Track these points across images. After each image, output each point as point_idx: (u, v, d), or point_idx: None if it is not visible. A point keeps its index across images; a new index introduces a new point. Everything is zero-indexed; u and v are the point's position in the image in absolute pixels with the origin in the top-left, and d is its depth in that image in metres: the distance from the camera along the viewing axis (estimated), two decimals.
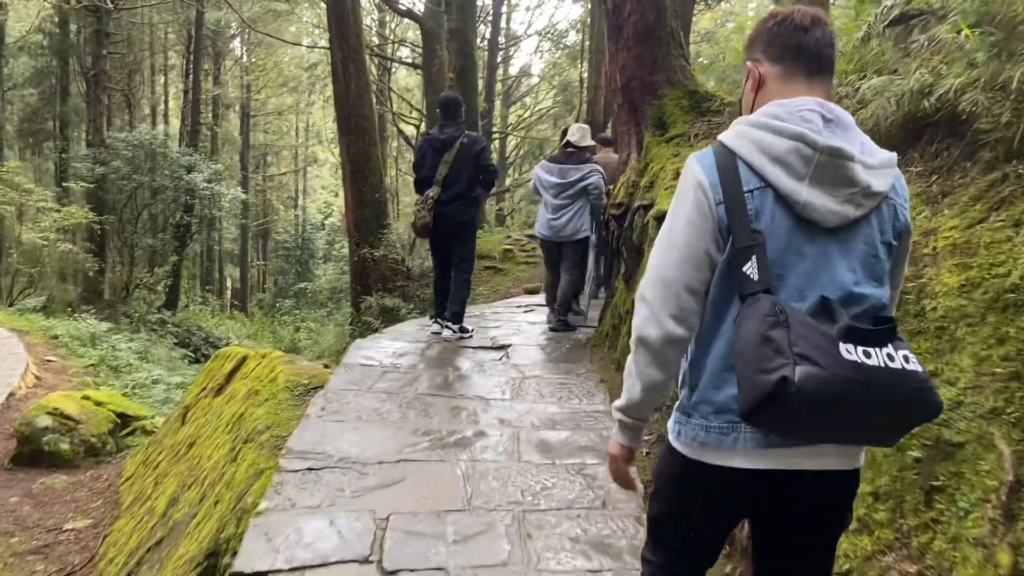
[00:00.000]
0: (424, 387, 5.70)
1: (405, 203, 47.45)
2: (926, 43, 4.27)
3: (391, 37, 32.66)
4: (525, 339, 7.21)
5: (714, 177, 1.93)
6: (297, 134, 46.77)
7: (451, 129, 7.03)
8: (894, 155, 2.05)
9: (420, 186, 7.20)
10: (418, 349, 6.76)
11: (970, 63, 3.96)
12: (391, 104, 32.13)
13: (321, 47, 29.38)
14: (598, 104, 18.35)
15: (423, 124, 31.66)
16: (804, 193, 1.87)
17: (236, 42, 40.02)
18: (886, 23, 5.02)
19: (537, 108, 35.97)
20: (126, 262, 25.55)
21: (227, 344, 25.73)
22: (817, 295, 1.87)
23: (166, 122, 37.42)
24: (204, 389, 7.27)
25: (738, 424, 1.91)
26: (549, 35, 35.47)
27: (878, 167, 1.95)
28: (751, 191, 1.90)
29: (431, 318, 7.73)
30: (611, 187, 7.56)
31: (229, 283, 44.87)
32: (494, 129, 31.81)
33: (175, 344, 23.65)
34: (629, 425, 2.15)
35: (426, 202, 6.96)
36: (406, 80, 40.45)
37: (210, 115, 36.00)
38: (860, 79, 4.93)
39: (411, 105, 32.98)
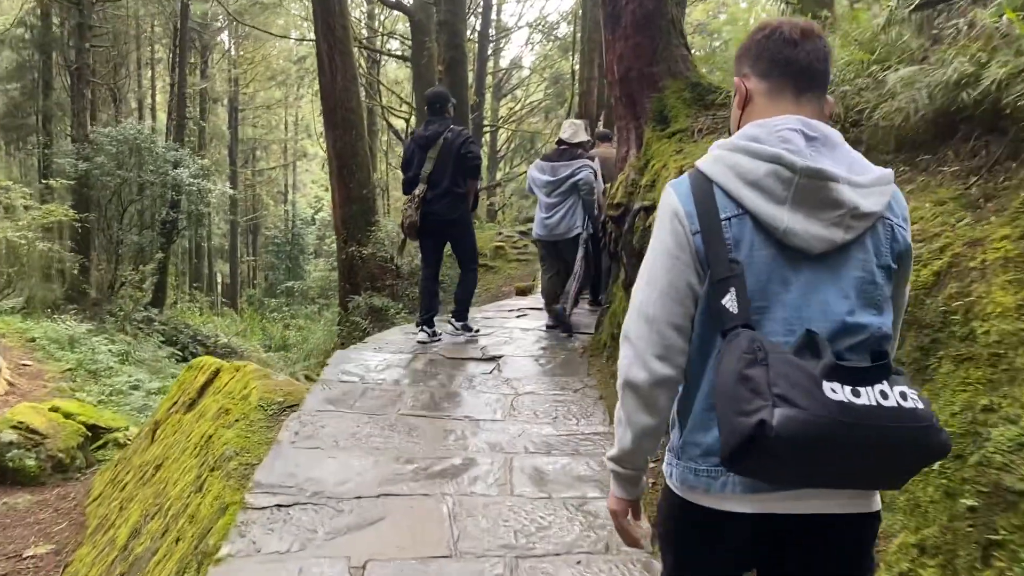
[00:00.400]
0: (408, 406, 5.22)
1: (395, 197, 46.88)
2: (964, 28, 3.80)
3: (380, 29, 32.07)
4: (518, 349, 6.73)
5: (690, 206, 1.83)
6: (286, 128, 46.04)
7: (435, 125, 6.82)
8: (889, 172, 1.89)
9: (408, 186, 6.93)
10: (403, 361, 6.28)
11: (1017, 51, 3.50)
12: (380, 97, 31.56)
13: (308, 39, 28.81)
14: (591, 96, 17.86)
15: (413, 118, 31.13)
16: (785, 219, 1.76)
17: (224, 35, 39.35)
18: (911, 7, 4.55)
19: (528, 101, 35.41)
20: (111, 260, 25.00)
21: (215, 342, 25.27)
22: (805, 328, 1.73)
23: (153, 117, 36.76)
24: (175, 403, 6.79)
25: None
26: (540, 27, 34.94)
27: (869, 186, 1.81)
28: (728, 219, 1.80)
29: (416, 325, 7.30)
30: (609, 185, 7.11)
31: (220, 278, 44.28)
32: (485, 122, 31.31)
33: (162, 343, 23.19)
34: (625, 476, 2.01)
35: (412, 200, 6.68)
36: (396, 73, 39.85)
37: (197, 109, 35.35)
38: (884, 69, 4.47)
39: (401, 98, 32.42)
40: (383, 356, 6.36)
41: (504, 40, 36.41)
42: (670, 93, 6.20)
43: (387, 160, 39.96)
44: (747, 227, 1.78)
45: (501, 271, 15.77)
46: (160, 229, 26.33)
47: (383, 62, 34.96)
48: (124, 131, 24.36)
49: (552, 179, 7.21)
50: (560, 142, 7.50)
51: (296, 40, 33.99)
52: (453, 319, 7.16)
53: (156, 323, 23.73)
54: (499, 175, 35.10)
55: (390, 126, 32.52)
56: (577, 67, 29.53)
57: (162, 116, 36.19)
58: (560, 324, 7.45)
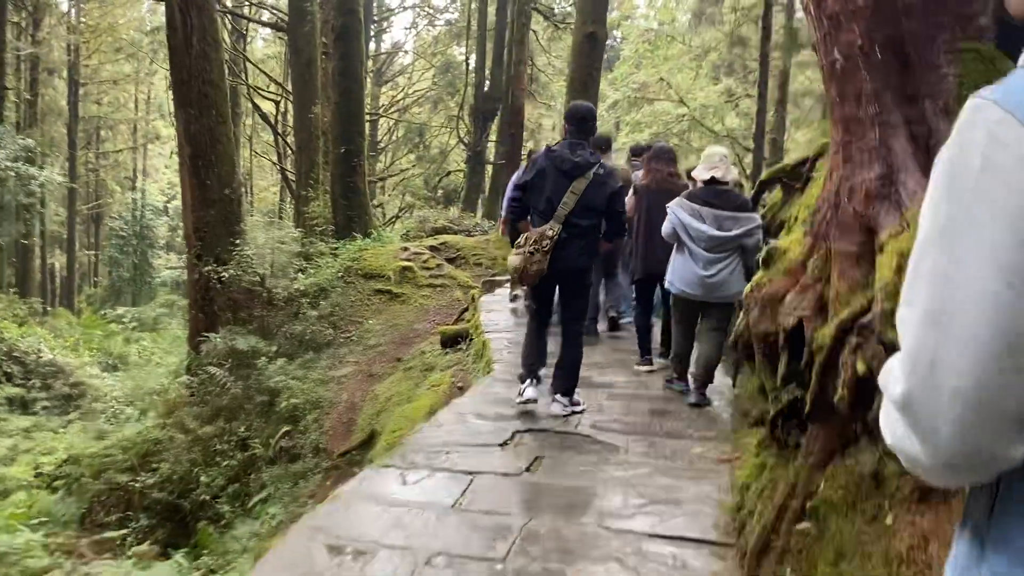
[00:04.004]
0: None
1: (260, 186, 41.24)
2: None
3: None
4: None
5: None
6: (136, 107, 39.56)
7: (585, 152, 5.30)
8: None
9: (518, 211, 5.53)
10: None
11: None
12: (247, 76, 26.56)
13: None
14: (520, 83, 13.91)
15: (283, 101, 26.44)
16: None
17: None
18: None
19: (413, 90, 31.03)
20: None
21: (37, 359, 20.12)
22: None
23: None
24: None
25: None
26: (426, 10, 30.69)
27: None
28: None
29: (520, 379, 5.53)
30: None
31: (58, 268, 37.61)
32: (365, 110, 26.86)
33: None
34: None
35: (541, 242, 5.20)
36: (264, 51, 34.58)
37: (26, 80, 29.15)
38: None
39: (270, 78, 27.48)
40: None
41: (386, 22, 31.90)
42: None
43: (251, 146, 34.69)
44: None
45: (411, 300, 11.65)
46: None
47: (250, 37, 29.84)
48: None
49: (716, 234, 5.67)
50: (713, 181, 5.79)
51: (150, 1, 28.28)
52: (559, 396, 5.35)
53: None
54: (379, 166, 30.66)
55: (256, 108, 27.51)
56: (473, 57, 25.61)
57: None
58: (699, 396, 5.81)
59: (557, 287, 5.46)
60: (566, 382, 5.35)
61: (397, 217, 28.49)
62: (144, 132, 39.40)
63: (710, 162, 5.89)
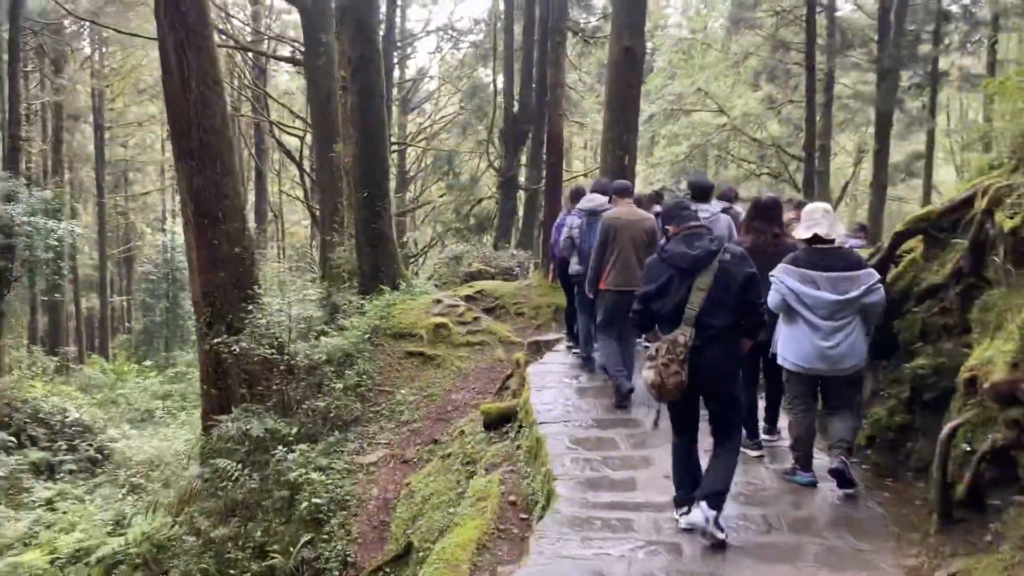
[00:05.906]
0: None
1: (291, 220, 40.15)
2: None
3: (267, 32, 25.84)
4: None
5: None
6: (163, 148, 38.76)
7: (704, 241, 4.63)
8: None
9: (646, 319, 4.81)
10: None
11: None
12: (268, 112, 25.40)
13: None
14: (557, 107, 12.33)
15: (307, 135, 25.32)
16: None
17: (84, 42, 32.20)
18: None
19: (440, 116, 29.68)
20: None
21: (62, 420, 19.10)
22: None
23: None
24: None
25: None
26: (449, 33, 29.30)
27: None
28: None
29: (675, 504, 4.78)
30: None
31: (93, 313, 36.75)
32: (392, 139, 25.55)
33: None
34: None
35: (675, 350, 4.49)
36: (287, 84, 33.50)
37: (48, 128, 28.32)
38: None
39: (293, 112, 26.32)
40: None
41: (410, 48, 30.64)
42: None
43: (279, 182, 33.61)
44: None
45: (446, 363, 10.14)
46: None
47: (272, 72, 28.76)
48: None
49: (836, 298, 5.02)
50: (816, 239, 5.18)
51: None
52: (703, 504, 4.45)
53: None
54: (408, 195, 29.35)
55: (280, 145, 26.34)
56: (501, 78, 24.19)
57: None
58: (841, 479, 5.08)
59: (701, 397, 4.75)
60: (717, 488, 4.54)
61: (429, 247, 27.13)
62: (171, 173, 38.56)
63: (811, 218, 5.30)
